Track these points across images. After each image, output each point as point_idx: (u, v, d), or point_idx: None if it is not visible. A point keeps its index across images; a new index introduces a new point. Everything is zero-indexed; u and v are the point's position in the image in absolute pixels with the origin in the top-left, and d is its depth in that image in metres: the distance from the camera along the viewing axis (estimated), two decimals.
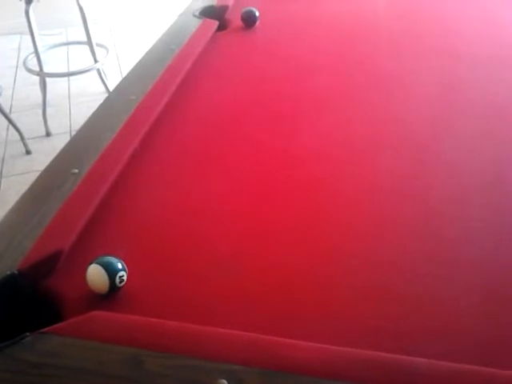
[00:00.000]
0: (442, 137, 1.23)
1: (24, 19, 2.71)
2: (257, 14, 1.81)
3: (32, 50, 2.84)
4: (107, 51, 3.09)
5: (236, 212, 1.00)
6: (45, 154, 2.56)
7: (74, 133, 1.23)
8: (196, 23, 1.78)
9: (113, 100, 1.37)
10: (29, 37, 2.79)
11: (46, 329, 0.72)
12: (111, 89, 1.49)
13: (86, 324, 0.72)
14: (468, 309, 0.79)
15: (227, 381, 0.63)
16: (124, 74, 1.50)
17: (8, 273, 0.81)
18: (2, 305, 0.79)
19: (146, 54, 1.60)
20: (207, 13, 1.88)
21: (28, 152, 2.70)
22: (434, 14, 1.92)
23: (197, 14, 1.85)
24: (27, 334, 0.71)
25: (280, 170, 1.12)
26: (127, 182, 1.07)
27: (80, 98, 3.15)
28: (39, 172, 1.07)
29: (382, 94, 1.41)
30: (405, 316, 0.78)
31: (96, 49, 2.99)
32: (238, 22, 1.82)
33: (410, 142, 1.21)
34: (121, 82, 1.45)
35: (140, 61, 1.56)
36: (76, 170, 1.05)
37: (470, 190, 1.04)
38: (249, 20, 1.82)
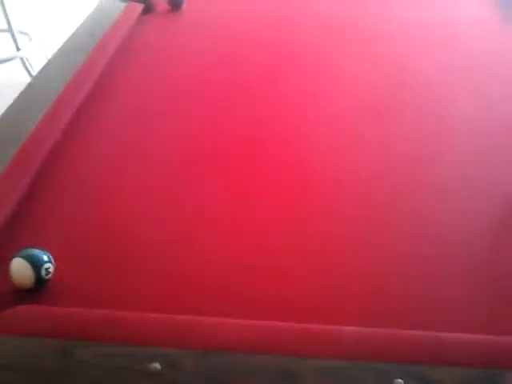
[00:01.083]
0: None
1: None
2: None
3: None
4: (30, 38, 2.94)
5: (171, 202, 0.99)
6: None
7: None
8: (120, 7, 1.73)
9: (34, 89, 1.31)
10: None
11: None
12: None
13: (11, 320, 0.69)
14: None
15: (161, 364, 0.63)
16: None
17: None
18: None
19: (68, 39, 1.55)
20: None
21: None
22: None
23: None
24: None
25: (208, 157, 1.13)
26: (51, 173, 1.03)
27: (4, 89, 2.99)
28: None
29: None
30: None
31: (18, 36, 2.85)
32: (164, 5, 1.80)
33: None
34: (42, 70, 1.40)
35: (62, 46, 1.50)
36: None
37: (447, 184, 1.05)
38: (174, 3, 1.79)
